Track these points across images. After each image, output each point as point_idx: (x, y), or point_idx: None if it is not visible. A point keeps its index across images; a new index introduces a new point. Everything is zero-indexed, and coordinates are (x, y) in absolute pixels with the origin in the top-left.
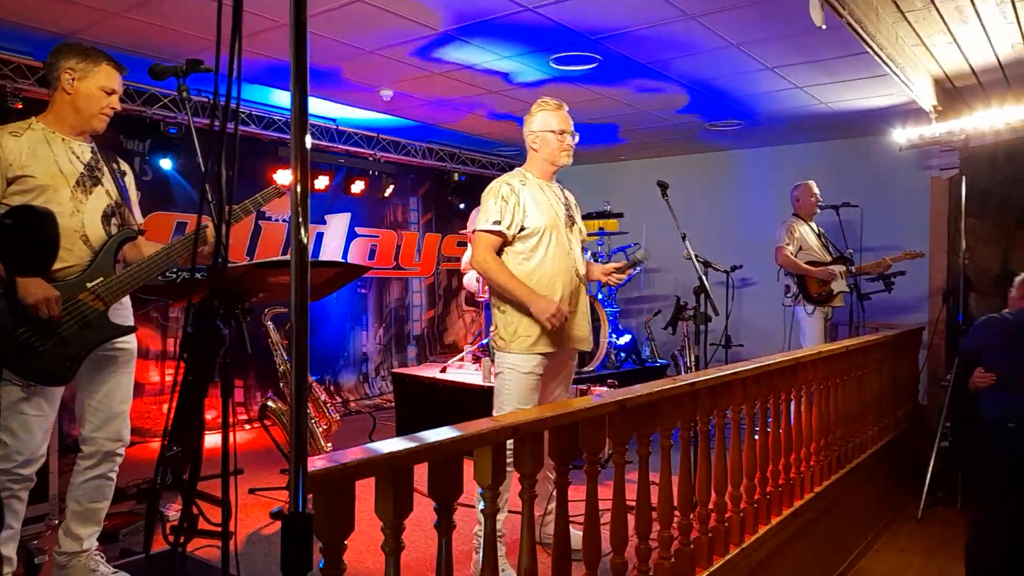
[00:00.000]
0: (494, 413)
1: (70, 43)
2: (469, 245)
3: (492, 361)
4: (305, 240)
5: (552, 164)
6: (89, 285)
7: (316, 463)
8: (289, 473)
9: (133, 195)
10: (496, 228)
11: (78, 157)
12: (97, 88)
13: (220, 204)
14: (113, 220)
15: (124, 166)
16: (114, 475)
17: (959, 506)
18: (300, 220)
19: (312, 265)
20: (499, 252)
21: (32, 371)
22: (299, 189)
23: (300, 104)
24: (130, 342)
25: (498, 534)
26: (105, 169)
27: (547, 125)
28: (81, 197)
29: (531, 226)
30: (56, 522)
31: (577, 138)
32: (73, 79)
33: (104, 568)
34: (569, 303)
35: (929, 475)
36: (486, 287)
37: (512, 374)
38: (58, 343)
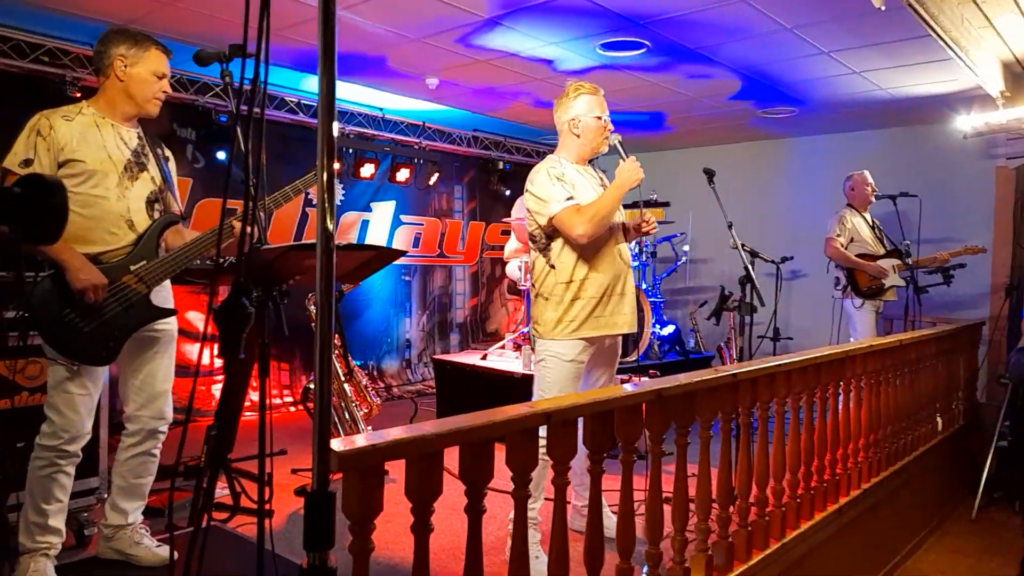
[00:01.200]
0: (533, 400)
1: (118, 30)
2: (513, 234)
3: (532, 349)
4: (331, 226)
5: (594, 151)
6: (133, 268)
7: (346, 443)
8: (312, 452)
9: (175, 181)
10: (573, 202)
11: (126, 143)
12: (149, 73)
13: (247, 187)
14: (156, 205)
15: (167, 152)
16: (157, 452)
17: (1017, 508)
18: (326, 205)
19: (346, 249)
20: (549, 238)
21: (75, 351)
22: (325, 176)
23: (327, 90)
24: (171, 324)
25: (533, 520)
26: (150, 155)
27: (591, 109)
28: (127, 183)
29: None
30: (105, 496)
31: (611, 125)
32: (125, 65)
33: (148, 541)
34: (612, 287)
35: (985, 475)
36: (528, 276)
37: (554, 362)
38: (101, 324)
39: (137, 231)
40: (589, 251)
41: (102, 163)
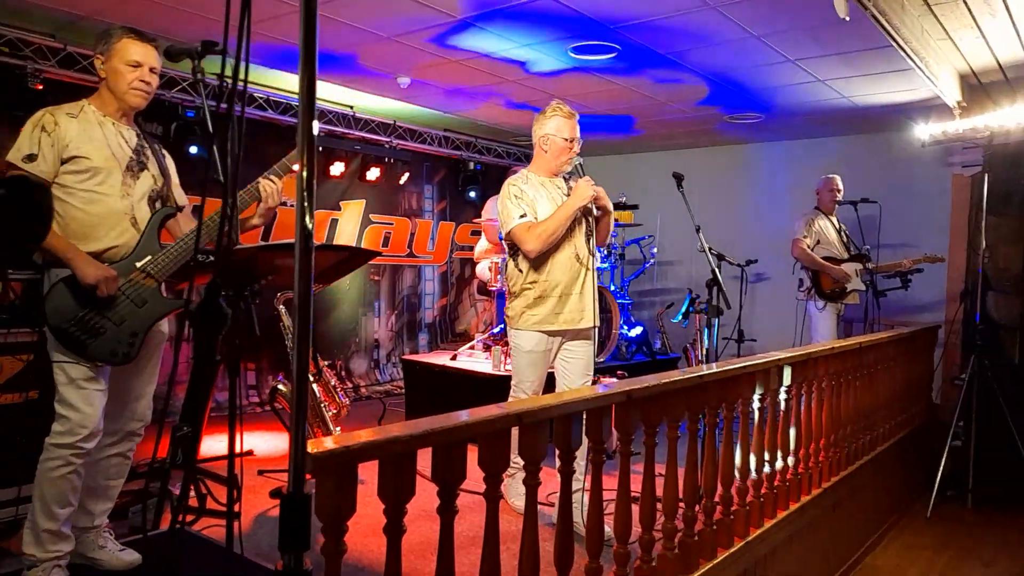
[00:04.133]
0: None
1: (101, 31)
2: (483, 235)
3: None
4: (311, 226)
5: (556, 170)
6: (139, 264)
7: (319, 445)
8: (288, 454)
9: (174, 177)
10: (525, 220)
11: (127, 141)
12: (122, 63)
13: (224, 184)
14: (157, 203)
15: (163, 151)
16: (131, 454)
17: (970, 505)
18: (306, 205)
19: (320, 249)
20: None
21: (98, 352)
22: (305, 175)
23: (308, 89)
24: (163, 324)
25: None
26: (149, 153)
27: (560, 131)
28: (130, 181)
29: (541, 217)
30: None
31: (578, 147)
32: (102, 62)
33: (112, 544)
34: (569, 287)
35: (940, 474)
36: (498, 276)
37: (516, 351)
38: (118, 323)
39: (139, 228)
40: (547, 257)
41: (106, 160)
